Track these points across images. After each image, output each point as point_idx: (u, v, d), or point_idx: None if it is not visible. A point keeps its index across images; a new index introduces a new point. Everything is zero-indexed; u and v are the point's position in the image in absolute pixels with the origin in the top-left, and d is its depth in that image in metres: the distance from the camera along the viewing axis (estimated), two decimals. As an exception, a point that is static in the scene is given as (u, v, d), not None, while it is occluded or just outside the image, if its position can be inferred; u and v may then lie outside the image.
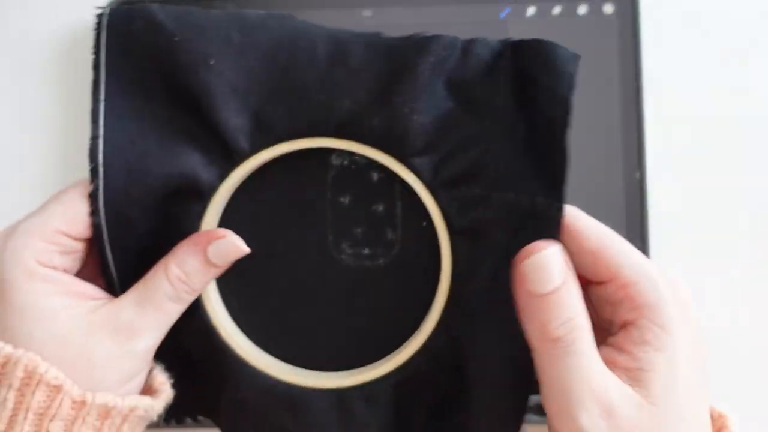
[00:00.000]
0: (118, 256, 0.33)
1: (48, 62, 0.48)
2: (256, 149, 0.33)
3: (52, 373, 0.29)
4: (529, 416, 0.44)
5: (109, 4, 0.47)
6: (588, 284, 0.30)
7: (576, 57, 0.31)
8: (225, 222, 0.34)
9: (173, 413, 0.34)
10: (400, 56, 0.32)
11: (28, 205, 0.46)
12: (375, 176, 0.36)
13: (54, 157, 0.47)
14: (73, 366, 0.30)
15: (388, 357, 0.34)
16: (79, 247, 0.32)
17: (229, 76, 0.32)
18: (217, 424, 0.35)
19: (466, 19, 0.46)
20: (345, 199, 0.36)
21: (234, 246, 0.32)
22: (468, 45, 0.32)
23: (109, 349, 0.30)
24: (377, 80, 0.32)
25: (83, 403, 0.30)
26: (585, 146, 0.44)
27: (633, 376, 0.28)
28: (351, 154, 0.36)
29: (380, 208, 0.35)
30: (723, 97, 0.46)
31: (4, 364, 0.29)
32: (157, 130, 0.33)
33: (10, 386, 0.29)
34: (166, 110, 0.33)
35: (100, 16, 0.32)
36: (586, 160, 0.45)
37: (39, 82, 0.48)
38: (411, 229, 0.34)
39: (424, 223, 0.34)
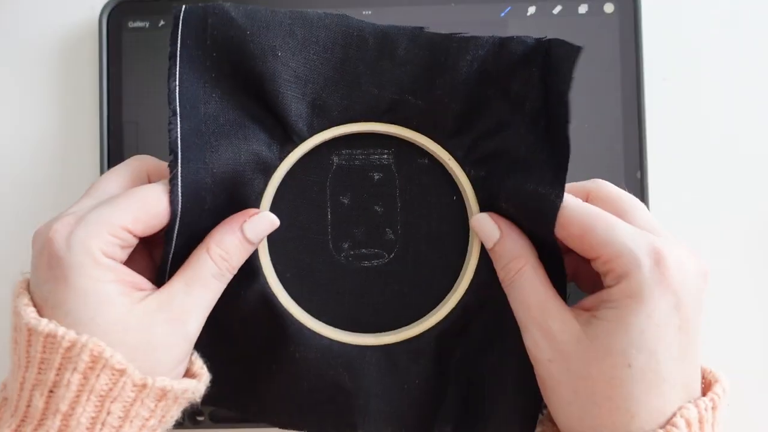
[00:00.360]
0: (185, 225, 0.36)
1: (48, 62, 0.48)
2: (313, 131, 0.38)
3: (117, 358, 0.31)
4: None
5: (113, 3, 0.47)
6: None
7: (576, 50, 0.34)
8: (279, 196, 0.39)
9: (211, 399, 0.37)
10: (443, 51, 0.37)
11: (28, 205, 0.46)
12: (376, 176, 0.40)
13: (53, 156, 0.47)
14: (134, 350, 0.32)
15: (428, 315, 0.39)
16: (135, 242, 0.34)
17: (293, 66, 0.37)
18: (244, 410, 0.39)
19: (466, 18, 0.46)
20: (345, 200, 0.40)
21: (267, 220, 0.36)
22: (504, 42, 0.36)
23: (165, 333, 0.33)
24: (420, 72, 0.37)
25: (144, 386, 0.32)
26: (586, 146, 0.44)
27: (587, 319, 0.34)
28: (352, 154, 0.40)
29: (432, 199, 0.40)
30: (724, 97, 0.46)
31: (69, 348, 0.31)
32: (226, 112, 0.37)
33: (74, 370, 0.31)
34: (233, 95, 0.37)
35: (177, 12, 0.37)
36: (587, 159, 0.44)
37: (39, 82, 0.48)
38: (442, 205, 0.39)
39: (455, 197, 0.39)
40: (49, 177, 0.47)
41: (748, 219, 0.46)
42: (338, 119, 0.38)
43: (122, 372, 0.31)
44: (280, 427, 0.39)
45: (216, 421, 0.44)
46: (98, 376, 0.31)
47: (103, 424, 0.32)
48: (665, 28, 0.47)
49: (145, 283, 0.34)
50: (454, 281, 0.39)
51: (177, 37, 0.37)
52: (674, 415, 0.32)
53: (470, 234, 0.39)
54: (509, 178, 0.37)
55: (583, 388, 0.33)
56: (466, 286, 0.38)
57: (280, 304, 0.38)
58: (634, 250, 0.33)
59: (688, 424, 0.32)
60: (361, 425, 0.38)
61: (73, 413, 0.31)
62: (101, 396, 0.31)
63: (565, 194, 0.34)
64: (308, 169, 0.39)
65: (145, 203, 0.34)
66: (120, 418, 0.32)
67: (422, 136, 0.38)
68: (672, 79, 0.46)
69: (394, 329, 0.39)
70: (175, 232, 0.35)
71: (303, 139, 0.38)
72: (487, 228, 0.37)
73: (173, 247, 0.36)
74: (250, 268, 0.38)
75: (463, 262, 0.39)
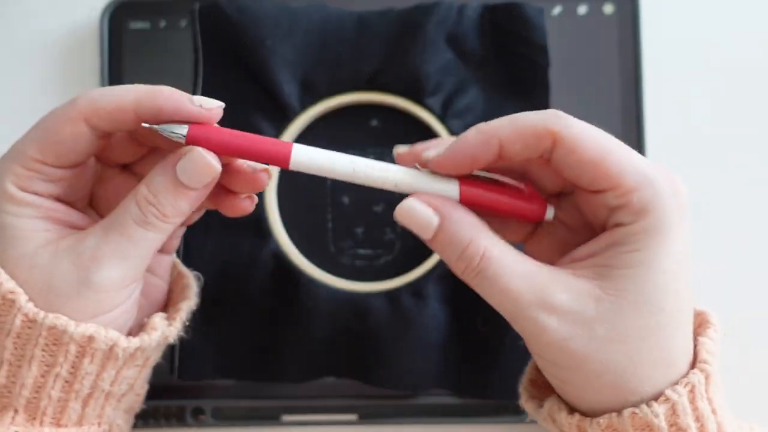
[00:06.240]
0: None
1: (49, 63, 0.48)
2: (305, 107, 0.43)
3: (9, 286, 0.29)
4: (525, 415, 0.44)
5: (114, 4, 0.47)
6: (581, 191, 0.30)
7: (541, 10, 0.42)
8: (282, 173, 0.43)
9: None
10: (410, 20, 0.42)
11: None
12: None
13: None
14: (35, 288, 0.30)
15: (427, 260, 0.42)
16: (66, 174, 0.31)
17: (281, 53, 0.42)
18: (257, 376, 0.42)
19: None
20: (345, 200, 0.43)
21: (203, 160, 0.30)
22: (461, 8, 0.42)
23: (67, 275, 0.30)
24: (393, 41, 0.42)
25: (34, 321, 0.29)
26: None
27: (599, 272, 0.29)
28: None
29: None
30: (723, 97, 0.46)
31: None
32: (233, 95, 0.41)
33: None
34: (238, 81, 0.42)
35: (192, 13, 0.42)
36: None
37: (39, 84, 0.48)
38: None
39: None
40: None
41: (748, 219, 0.46)
42: (326, 94, 0.43)
43: (11, 303, 0.29)
44: (296, 381, 0.42)
45: (218, 419, 0.44)
46: None
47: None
48: (665, 28, 0.47)
49: (84, 221, 0.32)
50: None
51: (197, 34, 0.42)
52: (699, 353, 0.30)
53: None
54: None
55: (616, 352, 0.28)
56: None
57: (292, 261, 0.42)
58: (657, 184, 0.28)
59: (708, 363, 0.29)
60: (371, 361, 0.41)
61: None
62: None
63: (568, 117, 0.30)
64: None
65: (47, 130, 0.30)
66: (13, 354, 0.30)
67: (402, 99, 0.42)
68: (672, 79, 0.46)
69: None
70: None
71: (297, 115, 0.43)
72: (419, 216, 0.29)
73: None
74: (263, 233, 0.42)
75: None
